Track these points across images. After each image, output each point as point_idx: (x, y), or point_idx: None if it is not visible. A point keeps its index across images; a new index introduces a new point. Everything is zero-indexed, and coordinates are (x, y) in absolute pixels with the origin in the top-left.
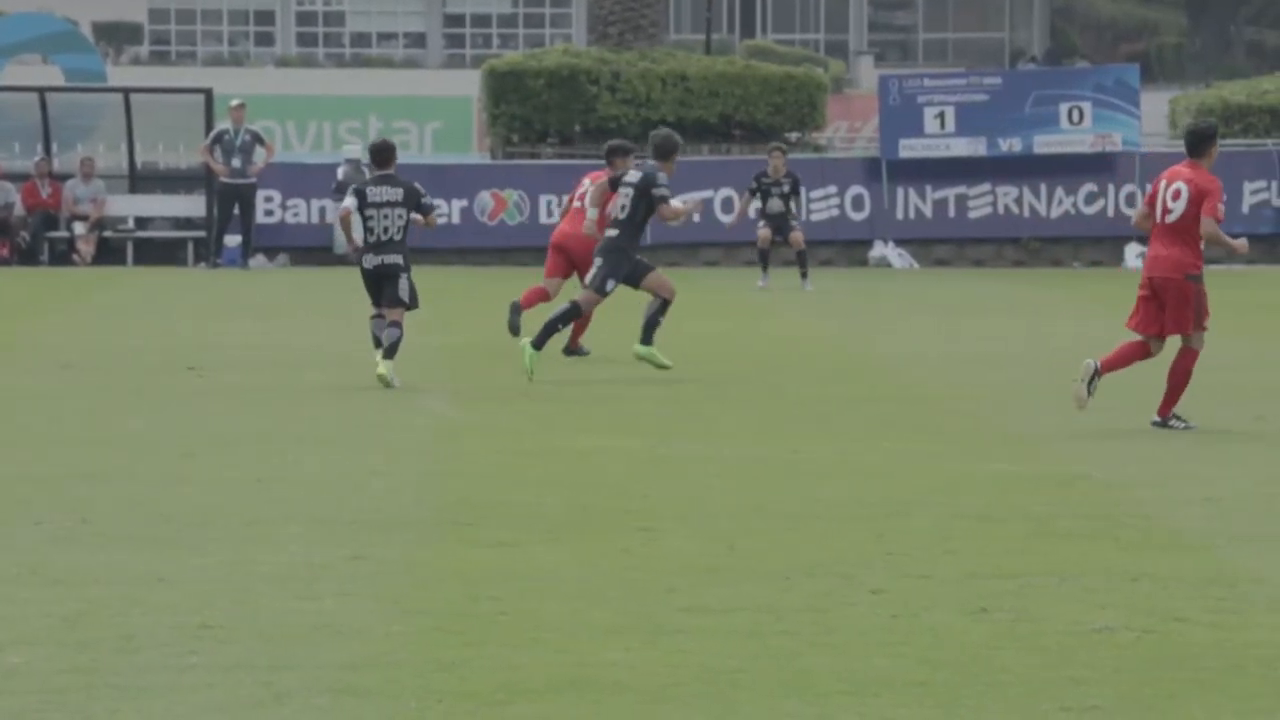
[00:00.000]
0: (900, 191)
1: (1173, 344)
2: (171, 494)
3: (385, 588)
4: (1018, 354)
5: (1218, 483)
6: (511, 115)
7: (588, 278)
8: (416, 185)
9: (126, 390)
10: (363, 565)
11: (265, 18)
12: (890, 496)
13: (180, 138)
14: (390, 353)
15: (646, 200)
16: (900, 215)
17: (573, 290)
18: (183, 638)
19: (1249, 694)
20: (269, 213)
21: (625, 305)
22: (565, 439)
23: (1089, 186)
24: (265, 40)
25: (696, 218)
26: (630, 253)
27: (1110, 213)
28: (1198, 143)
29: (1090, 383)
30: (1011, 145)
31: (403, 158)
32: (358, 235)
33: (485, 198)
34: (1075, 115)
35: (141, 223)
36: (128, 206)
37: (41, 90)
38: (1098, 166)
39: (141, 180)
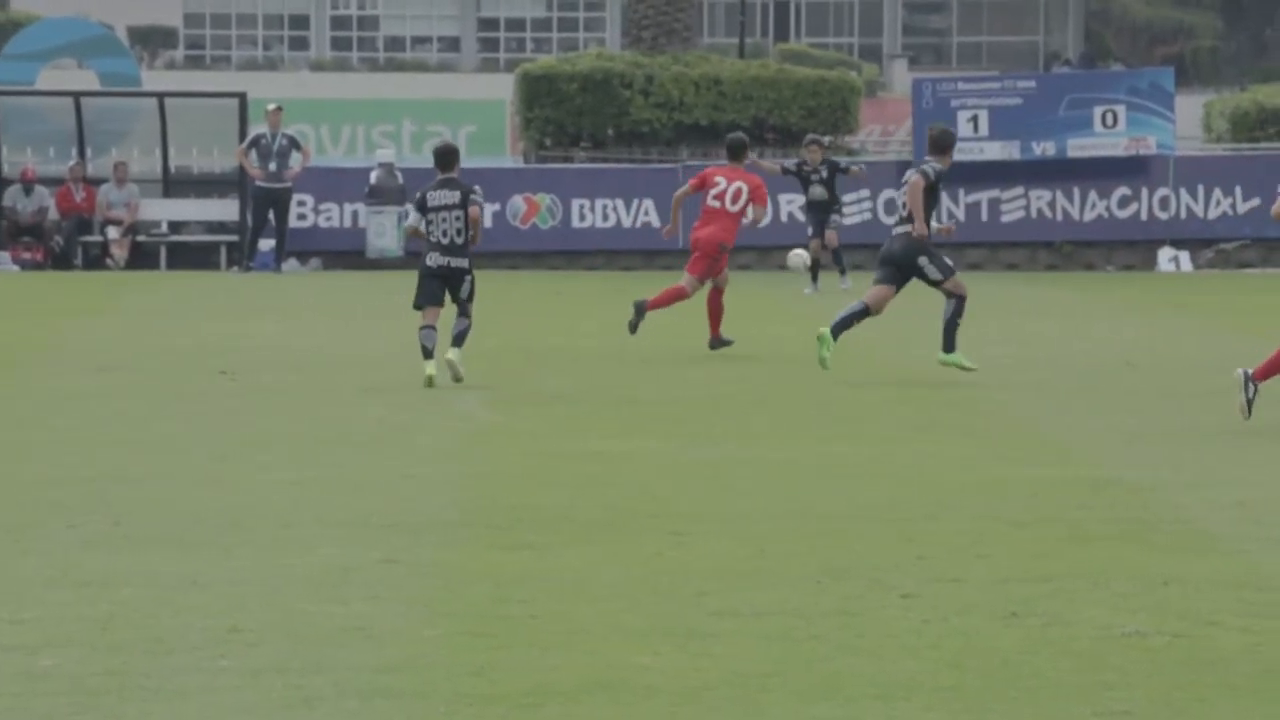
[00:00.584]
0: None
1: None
2: (203, 496)
3: (416, 590)
4: (1050, 357)
5: (1250, 486)
6: (545, 119)
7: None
8: (474, 187)
9: (159, 393)
10: (394, 568)
11: (300, 22)
12: (921, 500)
13: (214, 142)
14: (459, 340)
15: (934, 193)
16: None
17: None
18: (214, 640)
19: None
20: (302, 217)
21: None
22: (597, 442)
23: (1123, 190)
24: (300, 44)
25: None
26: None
27: (1144, 216)
28: None
29: (1246, 391)
30: (1045, 149)
31: None
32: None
33: (518, 201)
34: (1109, 119)
35: (175, 227)
36: (161, 211)
37: (76, 95)
38: (1132, 170)
39: (175, 184)
